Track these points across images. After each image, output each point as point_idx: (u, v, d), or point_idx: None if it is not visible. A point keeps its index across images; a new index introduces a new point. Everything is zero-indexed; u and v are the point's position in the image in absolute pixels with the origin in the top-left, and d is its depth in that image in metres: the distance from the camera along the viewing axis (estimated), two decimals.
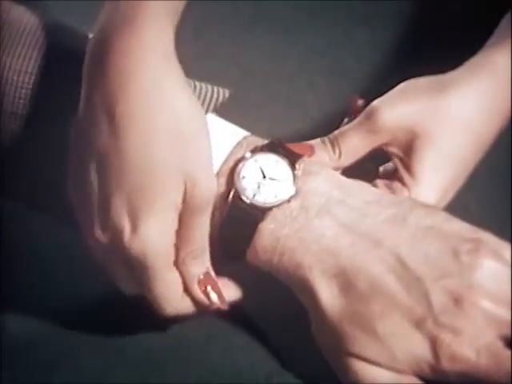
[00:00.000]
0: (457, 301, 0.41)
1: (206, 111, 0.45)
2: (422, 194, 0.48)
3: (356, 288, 0.42)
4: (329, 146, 0.49)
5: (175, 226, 0.42)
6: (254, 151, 0.45)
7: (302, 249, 0.43)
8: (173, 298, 0.44)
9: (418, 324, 0.41)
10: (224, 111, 0.55)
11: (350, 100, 0.51)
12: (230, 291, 0.45)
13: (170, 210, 0.42)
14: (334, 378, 0.43)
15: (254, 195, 0.44)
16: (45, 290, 0.48)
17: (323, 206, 0.44)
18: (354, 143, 0.49)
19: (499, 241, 0.43)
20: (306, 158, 0.46)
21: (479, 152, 0.50)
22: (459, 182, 0.50)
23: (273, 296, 0.45)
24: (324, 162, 0.49)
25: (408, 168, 0.48)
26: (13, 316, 0.47)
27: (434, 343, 0.41)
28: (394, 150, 0.49)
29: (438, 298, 0.41)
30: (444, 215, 0.45)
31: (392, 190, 0.48)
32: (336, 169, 0.49)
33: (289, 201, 0.44)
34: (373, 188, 0.46)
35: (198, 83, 0.47)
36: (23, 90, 0.47)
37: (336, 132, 0.50)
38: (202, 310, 0.45)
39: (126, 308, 0.48)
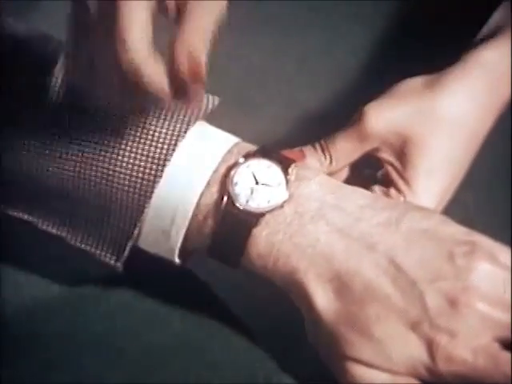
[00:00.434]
0: (452, 303, 0.41)
1: (196, 119, 0.45)
2: (418, 200, 0.48)
3: (351, 291, 0.42)
4: (320, 151, 0.50)
5: None
6: (246, 157, 0.45)
7: (297, 253, 0.43)
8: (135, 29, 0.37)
9: (414, 326, 0.41)
10: (224, 111, 0.55)
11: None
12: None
13: None
14: (334, 378, 0.43)
15: (247, 201, 0.44)
16: (45, 290, 0.48)
17: (317, 210, 0.44)
18: (345, 148, 0.49)
19: (494, 243, 0.43)
20: (298, 163, 0.45)
21: (473, 152, 0.50)
22: (455, 184, 0.50)
23: (269, 298, 0.45)
24: (316, 167, 0.49)
25: (402, 174, 0.48)
26: (13, 316, 0.47)
27: (430, 345, 0.41)
28: (385, 155, 0.49)
29: (434, 301, 0.41)
30: (439, 218, 0.45)
31: (389, 198, 0.48)
32: (328, 174, 0.49)
33: (282, 206, 0.44)
34: (367, 192, 0.46)
35: None
36: None
37: (327, 137, 0.50)
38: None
39: (126, 307, 0.48)
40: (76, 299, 0.48)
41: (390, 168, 0.49)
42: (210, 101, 0.46)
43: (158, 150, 0.44)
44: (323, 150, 0.50)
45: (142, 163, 0.44)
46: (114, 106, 0.45)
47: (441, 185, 0.49)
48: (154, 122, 0.45)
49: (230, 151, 0.45)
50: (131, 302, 0.48)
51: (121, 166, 0.44)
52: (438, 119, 0.49)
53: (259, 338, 0.47)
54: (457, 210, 0.49)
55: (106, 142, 0.44)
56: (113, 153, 0.44)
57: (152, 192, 0.44)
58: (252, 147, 0.46)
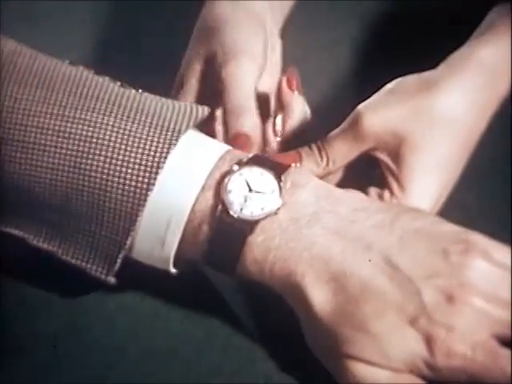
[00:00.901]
0: (449, 298, 0.41)
1: (187, 127, 0.45)
2: (412, 202, 0.48)
3: (348, 291, 0.42)
4: (316, 152, 0.50)
5: None
6: (239, 164, 0.45)
7: (294, 257, 0.43)
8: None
9: (412, 322, 0.41)
10: None
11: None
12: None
13: None
14: (334, 378, 0.43)
15: (241, 209, 0.44)
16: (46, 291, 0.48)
17: (313, 215, 0.44)
18: (341, 149, 0.49)
19: (489, 241, 0.43)
20: (292, 170, 0.46)
21: (468, 151, 0.50)
22: (451, 184, 0.50)
23: (270, 298, 0.45)
24: (312, 169, 0.49)
25: (396, 176, 0.48)
26: (13, 315, 0.47)
27: (428, 339, 0.41)
28: (381, 155, 0.49)
29: (431, 296, 0.41)
30: (432, 218, 0.45)
31: (382, 200, 0.48)
32: (325, 174, 0.49)
33: (276, 213, 0.44)
34: (360, 196, 0.46)
35: (176, 102, 0.47)
36: None
37: (323, 138, 0.50)
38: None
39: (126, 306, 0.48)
40: (76, 299, 0.48)
41: (384, 169, 0.49)
42: (200, 110, 0.47)
43: (151, 158, 0.44)
44: (320, 151, 0.50)
45: (135, 172, 0.44)
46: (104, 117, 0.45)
47: (436, 185, 0.49)
48: (145, 131, 0.45)
49: (222, 158, 0.45)
50: (131, 302, 0.48)
51: (113, 175, 0.44)
52: (434, 118, 0.49)
53: (259, 338, 0.46)
54: (457, 210, 0.49)
55: (97, 151, 0.44)
56: (105, 162, 0.44)
57: (145, 200, 0.44)
58: (244, 154, 0.46)
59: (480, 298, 0.41)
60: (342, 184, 0.51)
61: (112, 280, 0.45)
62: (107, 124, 0.45)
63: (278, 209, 0.44)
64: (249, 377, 0.45)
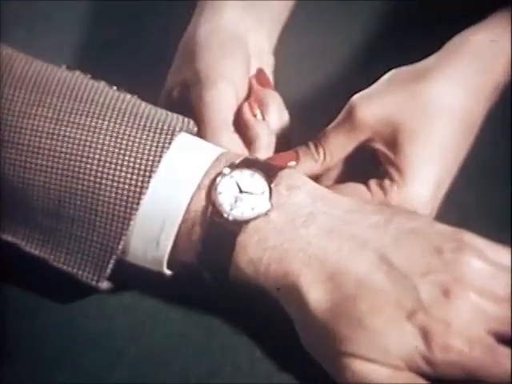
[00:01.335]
0: (445, 293, 0.41)
1: (180, 130, 0.46)
2: (412, 190, 0.48)
3: (344, 289, 0.42)
4: (313, 149, 0.50)
5: None
6: (231, 167, 0.45)
7: (289, 258, 0.43)
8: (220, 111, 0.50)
9: (409, 316, 0.41)
10: None
11: None
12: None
13: None
14: (333, 378, 0.43)
15: (231, 209, 0.44)
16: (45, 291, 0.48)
17: (308, 216, 0.44)
18: (337, 142, 0.49)
19: (482, 240, 0.44)
20: (286, 172, 0.46)
21: (468, 138, 0.50)
22: (451, 173, 0.49)
23: (270, 298, 0.45)
24: (311, 166, 0.49)
25: (395, 164, 0.48)
26: (13, 315, 0.47)
27: (426, 334, 0.41)
28: (378, 145, 0.49)
29: (427, 292, 0.41)
30: (426, 219, 0.45)
31: (383, 189, 0.48)
32: (325, 170, 0.49)
33: (266, 213, 0.44)
34: (354, 198, 0.46)
35: (164, 112, 0.47)
36: None
37: (319, 134, 0.50)
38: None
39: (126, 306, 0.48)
40: (76, 299, 0.48)
41: (382, 159, 0.49)
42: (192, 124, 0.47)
43: (144, 162, 0.44)
44: (316, 147, 0.50)
45: (128, 175, 0.44)
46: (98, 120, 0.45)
47: (435, 172, 0.48)
48: (138, 134, 0.45)
49: (216, 160, 0.46)
50: (131, 302, 0.48)
51: (106, 179, 0.44)
52: (429, 106, 0.48)
53: (259, 337, 0.46)
54: (456, 210, 0.49)
55: (91, 154, 0.45)
56: (98, 165, 0.44)
57: (138, 203, 0.44)
58: (237, 156, 0.46)
59: (475, 293, 0.42)
60: (342, 180, 0.51)
61: (103, 286, 0.46)
62: (101, 127, 0.45)
63: (269, 209, 0.44)
64: (249, 377, 0.45)
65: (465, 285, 0.42)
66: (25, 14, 0.66)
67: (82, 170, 0.44)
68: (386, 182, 0.48)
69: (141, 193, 0.44)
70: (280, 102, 0.54)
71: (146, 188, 0.44)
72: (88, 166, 0.44)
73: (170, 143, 0.45)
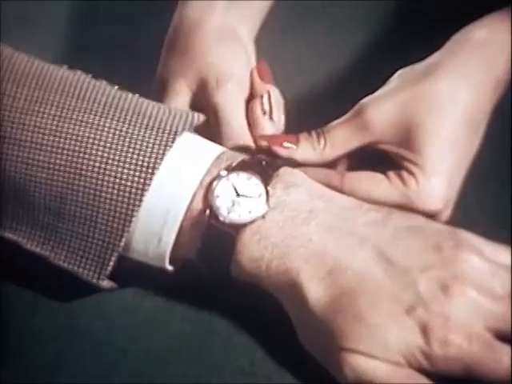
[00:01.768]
0: (444, 289, 0.42)
1: (183, 130, 0.46)
2: (429, 181, 0.47)
3: (344, 285, 0.42)
4: (314, 136, 0.50)
5: None
6: (227, 169, 0.45)
7: (290, 254, 0.44)
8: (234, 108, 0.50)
9: (408, 311, 0.41)
10: None
11: None
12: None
13: None
14: (334, 378, 0.43)
15: (229, 213, 0.44)
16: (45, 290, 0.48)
17: (308, 213, 0.44)
18: (341, 136, 0.49)
19: (479, 239, 0.44)
20: (281, 171, 0.46)
21: (478, 131, 0.50)
22: (464, 167, 0.49)
23: (270, 298, 0.45)
24: (308, 152, 0.49)
25: (411, 160, 0.48)
26: (13, 315, 0.47)
27: (425, 328, 0.41)
28: (388, 146, 0.49)
29: (426, 287, 0.42)
30: (423, 218, 0.46)
31: (402, 179, 0.48)
32: (322, 160, 0.49)
33: (263, 216, 0.44)
34: (351, 197, 0.46)
35: (172, 107, 0.48)
36: None
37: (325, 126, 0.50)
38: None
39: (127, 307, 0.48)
40: (76, 299, 0.48)
41: (396, 157, 0.49)
42: (196, 116, 0.47)
43: (147, 159, 0.44)
44: (318, 136, 0.50)
45: (131, 172, 0.44)
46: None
47: (448, 166, 0.48)
48: (141, 133, 0.45)
49: (218, 158, 0.46)
50: (131, 302, 0.48)
51: (109, 176, 0.44)
52: (437, 102, 0.49)
53: (259, 337, 0.46)
54: (457, 210, 0.49)
55: (93, 151, 0.45)
56: (101, 162, 0.45)
57: (141, 201, 0.44)
58: (238, 156, 0.46)
59: (474, 289, 0.42)
60: None
61: (104, 284, 0.46)
62: (104, 125, 0.45)
63: (266, 212, 0.44)
64: (249, 377, 0.45)
65: (464, 281, 0.42)
66: (25, 14, 0.66)
67: (84, 167, 0.45)
68: (404, 174, 0.48)
69: (143, 190, 0.44)
70: (280, 99, 0.54)
71: (149, 185, 0.44)
72: (90, 163, 0.45)
73: (172, 142, 0.45)
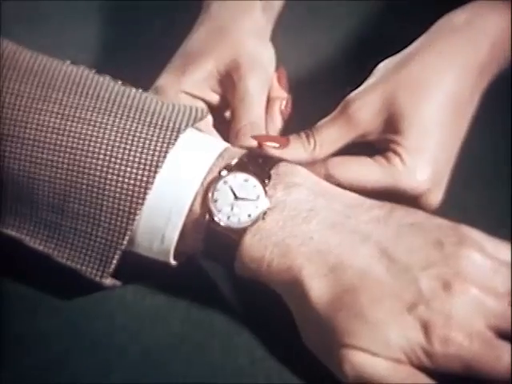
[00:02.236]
0: (446, 286, 0.42)
1: (186, 126, 0.46)
2: (414, 160, 0.48)
3: (346, 282, 0.42)
4: (304, 137, 0.50)
5: None
6: (227, 168, 0.45)
7: (292, 253, 0.44)
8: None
9: (410, 309, 0.41)
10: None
11: None
12: None
13: None
14: (334, 377, 0.43)
15: (229, 217, 0.44)
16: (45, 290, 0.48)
17: (309, 212, 0.44)
18: (330, 135, 0.50)
19: (482, 235, 0.44)
20: (280, 170, 0.46)
21: (463, 115, 0.50)
22: (450, 147, 0.50)
23: (270, 298, 0.46)
24: (299, 153, 0.49)
25: (396, 142, 0.49)
26: (13, 315, 0.47)
27: (426, 326, 0.41)
28: (374, 136, 0.50)
29: (428, 284, 0.42)
30: (424, 214, 0.46)
31: (387, 158, 0.49)
32: (312, 160, 0.49)
33: (263, 218, 0.44)
34: (354, 194, 0.47)
35: (175, 103, 0.48)
36: None
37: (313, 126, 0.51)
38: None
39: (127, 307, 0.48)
40: (76, 299, 0.48)
41: (383, 143, 0.50)
42: (199, 111, 0.47)
43: (150, 157, 0.44)
44: (308, 136, 0.50)
45: (134, 170, 0.44)
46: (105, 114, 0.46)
47: (433, 144, 0.49)
48: (144, 130, 0.45)
49: (221, 155, 0.46)
50: (131, 302, 0.48)
51: (112, 174, 0.44)
52: (418, 85, 0.49)
53: (259, 337, 0.46)
54: (457, 210, 0.49)
55: (96, 149, 0.45)
56: (104, 160, 0.45)
57: (144, 198, 0.44)
58: (238, 153, 0.46)
59: (476, 287, 0.42)
60: None
61: (107, 282, 0.46)
62: (107, 123, 0.45)
63: (266, 214, 0.44)
64: (249, 377, 0.45)
65: (465, 278, 0.42)
66: (25, 13, 0.66)
67: (87, 165, 0.45)
68: (390, 154, 0.49)
69: (146, 188, 0.44)
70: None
71: (152, 183, 0.44)
72: (93, 161, 0.45)
73: (175, 139, 0.45)
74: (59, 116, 0.45)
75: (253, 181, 0.45)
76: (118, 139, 0.45)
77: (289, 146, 0.49)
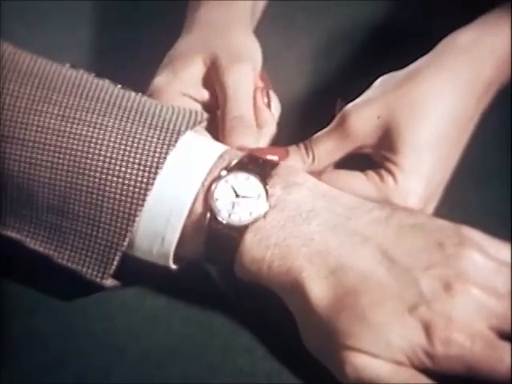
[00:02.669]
0: (447, 287, 0.42)
1: (186, 129, 0.46)
2: (407, 179, 0.48)
3: (346, 284, 0.42)
4: (303, 150, 0.50)
5: None
6: (227, 168, 0.45)
7: (292, 254, 0.43)
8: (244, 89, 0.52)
9: (411, 310, 0.41)
10: None
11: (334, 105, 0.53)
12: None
13: None
14: (334, 378, 0.43)
15: (230, 215, 0.44)
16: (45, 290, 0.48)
17: (309, 213, 0.44)
18: (328, 148, 0.50)
19: (483, 235, 0.44)
20: (281, 170, 0.46)
21: (460, 132, 0.50)
22: (446, 167, 0.50)
23: (270, 298, 0.46)
24: (298, 165, 0.50)
25: (391, 160, 0.49)
26: (14, 315, 0.47)
27: (427, 328, 0.41)
28: (371, 150, 0.50)
29: (429, 286, 0.42)
30: (425, 215, 0.46)
31: (380, 175, 0.49)
32: (311, 172, 0.49)
33: (264, 216, 0.44)
34: (354, 196, 0.46)
35: (175, 106, 0.48)
36: None
37: (310, 138, 0.51)
38: None
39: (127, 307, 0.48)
40: (76, 299, 0.48)
41: (378, 159, 0.50)
42: (199, 114, 0.47)
43: (150, 159, 0.44)
44: (306, 149, 0.50)
45: (134, 171, 0.44)
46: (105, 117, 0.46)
47: (427, 165, 0.49)
48: (144, 132, 0.45)
49: (221, 157, 0.46)
50: (131, 302, 0.48)
51: (112, 175, 0.44)
52: (418, 104, 0.49)
53: (259, 337, 0.46)
54: (458, 210, 0.49)
55: (97, 151, 0.45)
56: (104, 162, 0.45)
57: (144, 200, 0.44)
58: (238, 154, 0.47)
59: (477, 288, 0.42)
60: None
61: (107, 283, 0.46)
62: (107, 125, 0.45)
63: (267, 212, 0.44)
64: (249, 377, 0.45)
65: (466, 279, 0.42)
66: (25, 13, 0.66)
67: (87, 167, 0.45)
68: (383, 172, 0.49)
69: (146, 189, 0.44)
70: (277, 102, 0.55)
71: (152, 185, 0.44)
72: (93, 162, 0.45)
73: (175, 142, 0.45)
74: (59, 118, 0.45)
75: (254, 179, 0.45)
76: (118, 141, 0.45)
77: (288, 158, 0.49)
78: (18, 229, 0.47)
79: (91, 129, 0.45)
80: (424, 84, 0.50)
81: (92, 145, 0.45)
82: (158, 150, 0.45)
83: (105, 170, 0.44)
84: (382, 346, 0.41)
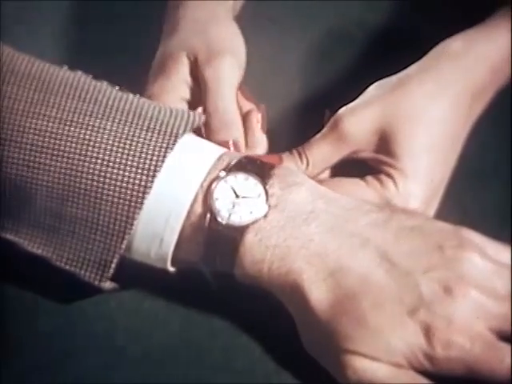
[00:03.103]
0: (447, 290, 0.42)
1: (184, 132, 0.46)
2: (406, 182, 0.49)
3: (346, 287, 0.42)
4: (296, 156, 0.51)
5: None
6: (226, 169, 0.45)
7: (291, 255, 0.43)
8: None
9: (411, 313, 0.41)
10: None
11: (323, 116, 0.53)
12: None
13: None
14: (333, 378, 0.43)
15: (230, 215, 0.44)
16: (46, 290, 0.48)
17: (309, 214, 0.44)
18: (321, 153, 0.50)
19: (482, 237, 0.44)
20: (280, 170, 0.46)
21: (455, 136, 0.51)
22: (443, 171, 0.50)
23: (270, 298, 0.46)
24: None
25: (390, 164, 0.49)
26: (14, 316, 0.47)
27: (427, 330, 0.41)
28: (367, 154, 0.50)
29: (429, 288, 0.42)
30: (425, 217, 0.46)
31: (379, 181, 0.49)
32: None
33: (265, 216, 0.44)
34: (353, 198, 0.47)
35: (173, 108, 0.48)
36: None
37: (304, 143, 0.51)
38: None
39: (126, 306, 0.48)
40: (76, 299, 0.48)
41: (375, 163, 0.50)
42: (197, 116, 0.47)
43: (148, 162, 0.44)
44: (300, 155, 0.51)
45: (132, 174, 0.44)
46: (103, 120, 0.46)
47: (426, 168, 0.49)
48: (142, 135, 0.45)
49: (219, 159, 0.46)
50: (131, 302, 0.48)
51: (110, 178, 0.44)
52: (411, 111, 0.50)
53: (259, 338, 0.46)
54: (457, 211, 0.49)
55: (94, 154, 0.45)
56: (102, 165, 0.44)
57: (142, 203, 0.44)
58: (236, 156, 0.47)
59: (477, 290, 0.42)
60: None
61: (106, 285, 0.46)
62: (104, 128, 0.45)
63: (267, 211, 0.44)
64: (249, 377, 0.45)
65: (466, 281, 0.42)
66: (25, 13, 0.66)
67: (85, 170, 0.45)
68: (382, 177, 0.49)
69: (144, 192, 0.44)
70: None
71: (150, 188, 0.44)
72: (91, 165, 0.45)
73: (173, 144, 0.45)
74: (57, 120, 0.45)
75: (253, 179, 0.45)
76: (115, 144, 0.45)
77: (282, 165, 0.49)
78: (16, 231, 0.46)
79: (89, 132, 0.45)
80: (417, 89, 0.50)
81: (90, 147, 0.45)
82: (156, 153, 0.45)
83: (102, 173, 0.44)
84: (382, 349, 0.41)
